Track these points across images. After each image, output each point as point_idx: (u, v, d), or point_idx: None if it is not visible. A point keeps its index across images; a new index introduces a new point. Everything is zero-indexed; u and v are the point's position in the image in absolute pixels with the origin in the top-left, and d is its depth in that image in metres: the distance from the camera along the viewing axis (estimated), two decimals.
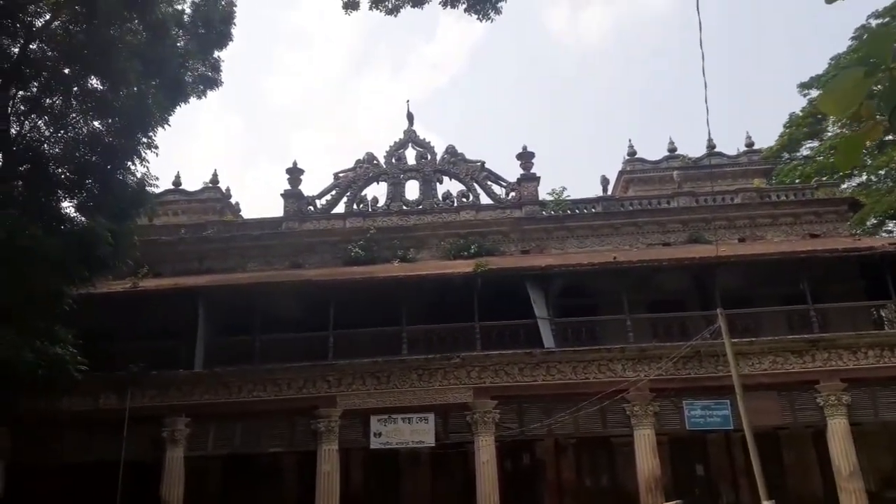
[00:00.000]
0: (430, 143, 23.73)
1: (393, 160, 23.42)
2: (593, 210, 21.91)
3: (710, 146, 25.31)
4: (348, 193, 22.91)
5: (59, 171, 15.52)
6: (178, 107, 17.36)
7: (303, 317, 18.21)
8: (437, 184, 22.98)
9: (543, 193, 22.71)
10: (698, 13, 6.95)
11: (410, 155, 23.63)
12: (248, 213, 29.32)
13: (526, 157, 22.75)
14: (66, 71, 15.47)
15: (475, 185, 22.67)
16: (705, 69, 7.81)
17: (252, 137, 73.35)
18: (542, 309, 17.44)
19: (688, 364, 16.71)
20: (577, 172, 61.24)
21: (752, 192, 21.94)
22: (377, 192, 22.85)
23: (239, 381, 17.52)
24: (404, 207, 22.55)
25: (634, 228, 21.50)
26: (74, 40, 15.14)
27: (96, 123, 15.81)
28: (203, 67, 18.32)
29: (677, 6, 64.13)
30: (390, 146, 23.66)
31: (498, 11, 13.84)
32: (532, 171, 22.64)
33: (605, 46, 70.57)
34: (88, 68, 15.24)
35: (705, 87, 8.50)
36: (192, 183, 29.41)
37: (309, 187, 48.95)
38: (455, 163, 23.03)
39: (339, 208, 22.92)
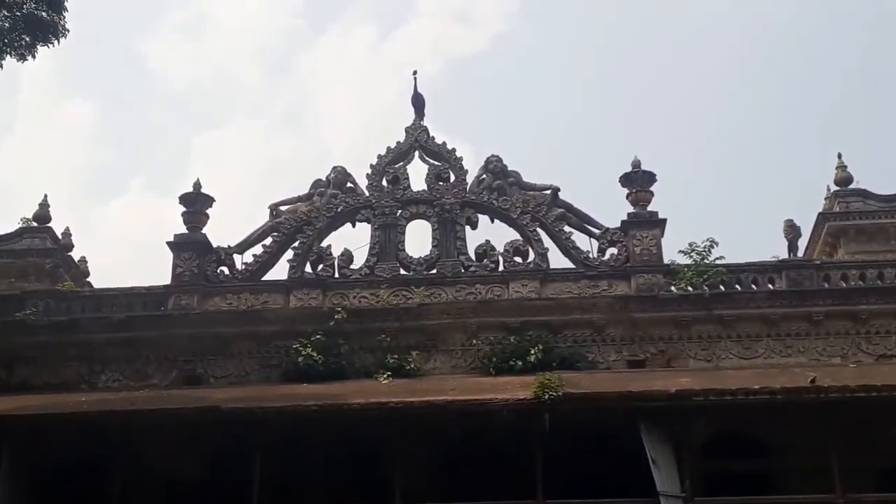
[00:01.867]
0: (454, 151, 24.31)
1: (384, 182, 23.97)
2: (771, 286, 22.05)
3: None
4: (296, 244, 23.25)
5: None
6: None
7: (203, 480, 18.16)
8: (467, 228, 23.38)
9: (672, 252, 22.96)
10: None
11: (417, 173, 24.28)
12: (103, 277, 29.45)
13: (639, 182, 23.17)
14: None
15: (540, 231, 23.03)
16: None
17: (119, 141, 74.37)
18: (669, 477, 17.22)
19: None
20: (729, 215, 61.23)
21: None
22: (351, 240, 22.89)
23: None
24: (403, 272, 22.86)
25: (852, 324, 21.46)
26: None
27: None
28: (33, 2, 19.12)
29: None
30: (379, 157, 24.26)
31: None
32: (650, 207, 23.00)
33: None
34: None
35: None
36: (2, 219, 29.62)
37: (222, 233, 48.35)
38: (502, 189, 23.55)
39: (279, 271, 23.23)
